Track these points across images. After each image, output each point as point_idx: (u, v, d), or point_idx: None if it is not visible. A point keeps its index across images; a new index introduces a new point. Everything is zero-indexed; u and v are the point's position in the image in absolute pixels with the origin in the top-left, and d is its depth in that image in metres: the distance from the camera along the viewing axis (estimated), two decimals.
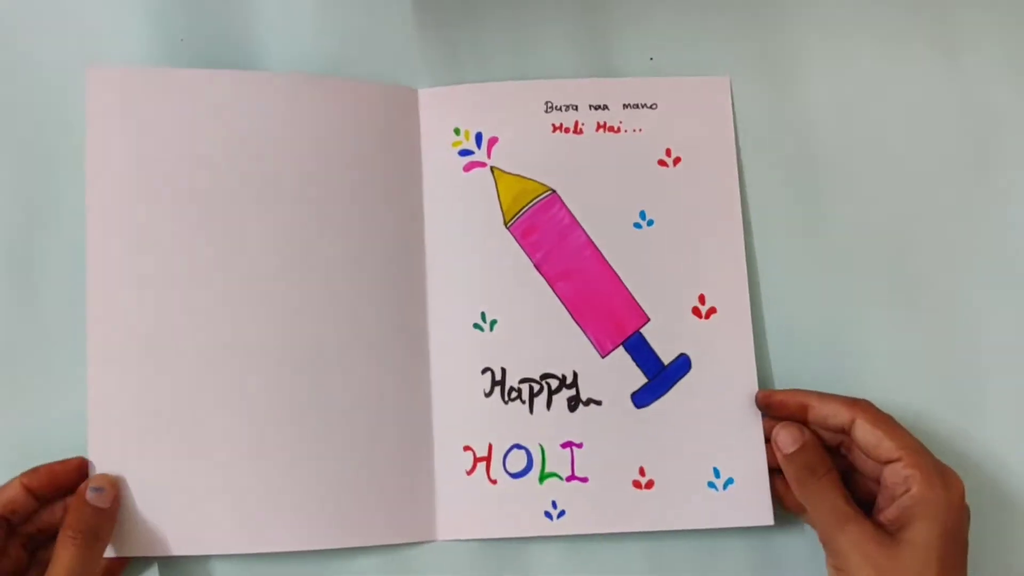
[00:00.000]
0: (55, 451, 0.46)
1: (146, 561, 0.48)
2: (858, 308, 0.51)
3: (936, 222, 0.52)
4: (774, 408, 0.48)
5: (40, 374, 0.49)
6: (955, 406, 0.51)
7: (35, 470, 0.45)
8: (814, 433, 0.47)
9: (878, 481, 0.45)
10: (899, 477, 0.43)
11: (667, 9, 0.54)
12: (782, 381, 0.51)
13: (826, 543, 0.44)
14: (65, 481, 0.45)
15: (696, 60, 0.54)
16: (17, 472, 0.45)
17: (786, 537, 0.49)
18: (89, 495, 0.44)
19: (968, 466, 0.49)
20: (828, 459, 0.46)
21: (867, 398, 0.47)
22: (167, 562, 0.48)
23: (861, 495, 0.46)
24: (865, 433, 0.44)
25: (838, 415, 0.45)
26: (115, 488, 0.45)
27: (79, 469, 0.46)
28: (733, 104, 0.53)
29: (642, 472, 0.49)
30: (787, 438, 0.46)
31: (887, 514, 0.44)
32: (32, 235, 0.50)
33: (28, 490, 0.44)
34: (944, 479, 0.43)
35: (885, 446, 0.44)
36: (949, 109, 0.53)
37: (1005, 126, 0.53)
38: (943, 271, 0.52)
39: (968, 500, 0.45)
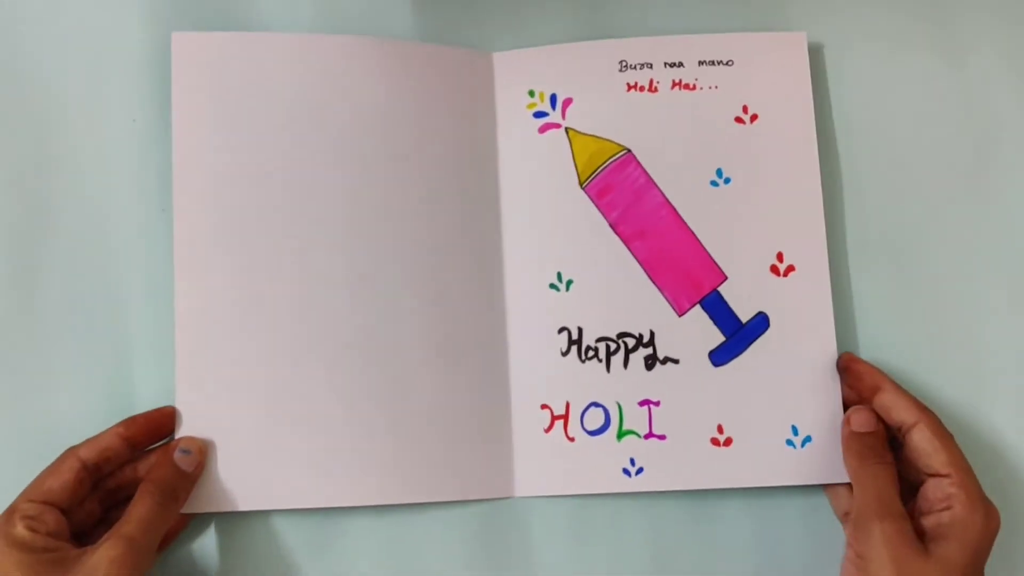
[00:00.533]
0: (58, 449, 0.46)
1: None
2: (856, 308, 0.51)
3: (935, 222, 0.52)
4: (851, 375, 0.48)
5: (41, 373, 0.49)
6: (956, 404, 0.50)
7: (132, 419, 0.47)
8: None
9: (914, 490, 0.45)
10: (942, 493, 0.43)
11: (669, 17, 0.54)
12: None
13: (858, 526, 0.44)
14: (161, 428, 0.47)
15: None
16: (20, 470, 0.45)
17: None
18: (177, 455, 0.46)
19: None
20: (891, 454, 0.46)
21: None
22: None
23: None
24: (924, 439, 0.44)
25: (905, 412, 0.45)
26: (202, 454, 0.46)
27: (172, 417, 0.47)
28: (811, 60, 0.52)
29: (720, 430, 0.49)
30: (861, 419, 0.46)
31: (922, 522, 0.44)
32: (32, 235, 0.50)
33: (124, 439, 0.46)
34: (986, 509, 0.43)
35: (939, 458, 0.44)
36: (952, 112, 0.53)
37: (1007, 129, 0.53)
38: (942, 272, 0.51)
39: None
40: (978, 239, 0.52)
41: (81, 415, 0.48)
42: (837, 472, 0.48)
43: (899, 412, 0.46)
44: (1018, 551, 0.49)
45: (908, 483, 0.46)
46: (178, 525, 0.47)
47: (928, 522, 0.44)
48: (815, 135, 0.51)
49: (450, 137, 0.51)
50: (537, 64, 0.52)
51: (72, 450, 0.45)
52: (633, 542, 0.49)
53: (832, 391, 0.49)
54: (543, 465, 0.49)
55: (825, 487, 0.49)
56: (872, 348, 0.51)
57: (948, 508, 0.43)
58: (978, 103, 0.53)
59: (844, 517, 0.48)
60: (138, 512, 0.43)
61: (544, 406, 0.49)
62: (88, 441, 0.45)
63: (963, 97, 0.53)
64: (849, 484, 0.47)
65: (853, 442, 0.46)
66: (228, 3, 0.53)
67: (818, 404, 0.48)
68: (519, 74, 0.52)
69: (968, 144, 0.53)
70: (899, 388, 0.47)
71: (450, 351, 0.49)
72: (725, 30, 0.53)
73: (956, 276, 0.51)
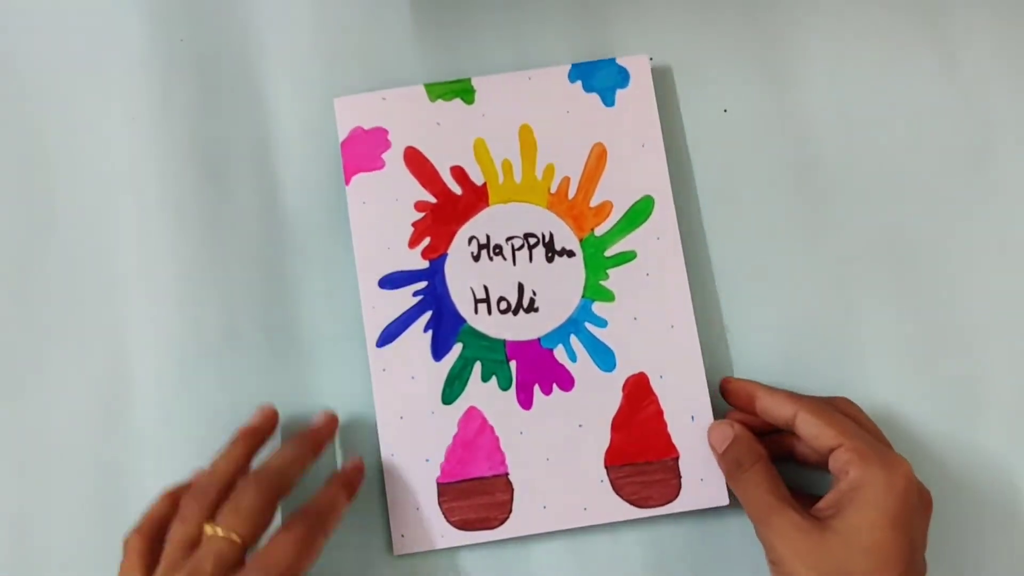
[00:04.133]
0: (58, 452, 0.48)
1: None
2: (855, 307, 0.51)
3: (933, 222, 0.52)
4: (729, 396, 0.49)
5: (39, 372, 0.49)
6: (950, 406, 0.50)
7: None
8: (746, 425, 0.47)
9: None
10: (840, 463, 0.43)
11: (665, 8, 0.54)
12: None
13: (758, 537, 0.44)
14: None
15: (695, 59, 0.54)
16: (17, 470, 0.47)
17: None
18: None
19: (966, 465, 0.50)
20: (757, 450, 0.45)
21: (863, 397, 0.47)
22: None
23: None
24: (805, 423, 0.44)
25: (782, 408, 0.45)
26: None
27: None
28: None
29: None
30: (718, 437, 0.47)
31: (826, 501, 0.43)
32: (31, 233, 0.51)
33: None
34: (884, 462, 0.42)
35: (826, 434, 0.43)
36: (947, 109, 0.53)
37: (1002, 126, 0.53)
38: (940, 270, 0.51)
39: (963, 499, 0.46)
40: (976, 241, 0.52)
41: (78, 415, 0.48)
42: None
43: (777, 410, 0.45)
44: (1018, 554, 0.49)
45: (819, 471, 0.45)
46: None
47: (833, 496, 0.43)
48: (665, 162, 0.51)
49: None
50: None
51: None
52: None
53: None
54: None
55: None
56: (869, 353, 0.51)
57: (846, 475, 0.42)
58: (973, 102, 0.53)
59: None
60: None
61: None
62: None
63: (958, 97, 0.53)
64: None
65: (721, 464, 0.46)
66: (227, 4, 0.53)
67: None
68: None
69: (964, 144, 0.53)
70: (771, 388, 0.47)
71: None
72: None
73: (956, 278, 0.51)
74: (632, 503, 0.48)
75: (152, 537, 0.42)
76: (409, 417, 0.48)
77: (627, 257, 0.50)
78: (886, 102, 0.53)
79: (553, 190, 0.51)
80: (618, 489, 0.48)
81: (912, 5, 0.55)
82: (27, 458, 0.47)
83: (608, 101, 0.52)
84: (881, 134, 0.53)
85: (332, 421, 0.48)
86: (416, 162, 0.51)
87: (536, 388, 0.49)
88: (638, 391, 0.49)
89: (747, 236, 0.52)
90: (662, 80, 0.53)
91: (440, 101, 0.51)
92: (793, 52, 0.54)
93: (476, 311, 0.50)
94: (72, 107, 0.52)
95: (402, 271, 0.50)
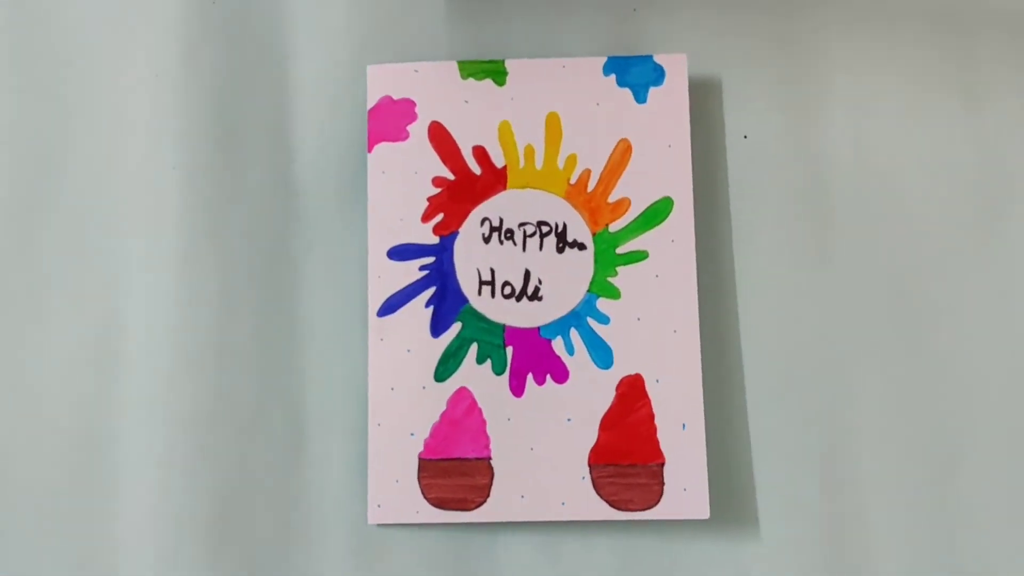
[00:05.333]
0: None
1: None
2: (856, 347, 0.50)
3: (942, 272, 0.51)
4: None
5: (36, 315, 0.50)
6: (944, 455, 0.49)
7: None
8: None
9: None
10: None
11: (696, 26, 0.53)
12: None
13: None
14: None
15: (719, 85, 0.53)
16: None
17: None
18: None
19: (957, 513, 0.48)
20: None
21: (850, 427, 0.48)
22: None
23: None
24: None
25: None
26: None
27: None
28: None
29: None
30: None
31: None
32: (41, 176, 0.51)
33: None
34: None
35: None
36: (965, 159, 0.51)
37: (1020, 180, 0.51)
38: (945, 321, 0.50)
39: (956, 548, 0.46)
40: (982, 294, 0.50)
41: (74, 359, 0.49)
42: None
43: None
44: None
45: None
46: None
47: None
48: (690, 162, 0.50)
49: None
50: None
51: None
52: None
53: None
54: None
55: None
56: (871, 401, 0.49)
57: None
58: (993, 154, 0.51)
59: None
60: None
61: None
62: None
63: (978, 148, 0.52)
64: None
65: None
66: None
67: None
68: None
69: (980, 195, 0.51)
70: None
71: None
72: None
73: (956, 327, 0.50)
74: (611, 504, 0.47)
75: None
76: (400, 389, 0.48)
77: (638, 256, 0.50)
78: (905, 145, 0.52)
79: (573, 181, 0.50)
80: (599, 488, 0.47)
81: (942, 49, 0.53)
82: (16, 411, 0.48)
83: (640, 98, 0.51)
84: (898, 176, 0.51)
85: None
86: (439, 137, 0.51)
87: (530, 377, 0.48)
88: (632, 392, 0.48)
89: (758, 255, 0.51)
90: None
91: (471, 79, 0.51)
92: (817, 85, 0.52)
93: (479, 292, 0.49)
94: (96, 53, 0.52)
95: (412, 244, 0.50)
